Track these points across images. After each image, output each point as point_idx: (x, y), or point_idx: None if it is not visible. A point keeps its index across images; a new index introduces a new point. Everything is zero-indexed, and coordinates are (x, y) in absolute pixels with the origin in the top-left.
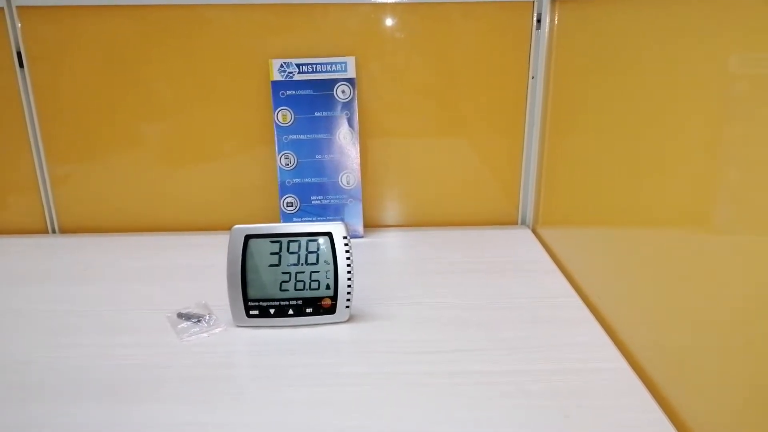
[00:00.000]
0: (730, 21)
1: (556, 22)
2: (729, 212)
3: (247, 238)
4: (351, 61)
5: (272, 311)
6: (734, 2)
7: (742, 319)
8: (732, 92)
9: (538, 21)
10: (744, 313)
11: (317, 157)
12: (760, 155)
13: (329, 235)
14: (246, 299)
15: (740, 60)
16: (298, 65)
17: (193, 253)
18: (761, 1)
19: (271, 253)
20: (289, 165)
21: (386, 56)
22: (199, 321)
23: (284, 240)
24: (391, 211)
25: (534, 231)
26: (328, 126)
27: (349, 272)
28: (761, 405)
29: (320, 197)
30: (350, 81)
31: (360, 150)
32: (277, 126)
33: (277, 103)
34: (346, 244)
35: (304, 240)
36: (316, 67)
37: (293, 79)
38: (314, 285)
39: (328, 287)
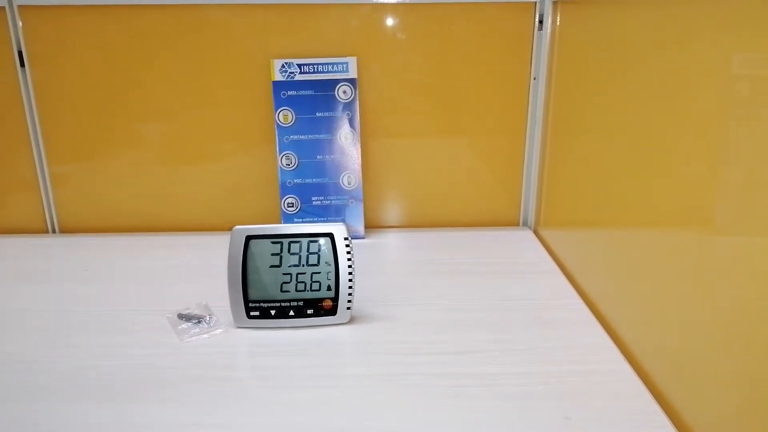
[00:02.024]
0: (732, 22)
1: (558, 24)
2: (731, 213)
3: (248, 238)
4: (352, 61)
5: (273, 312)
6: (736, 3)
7: (744, 321)
8: (734, 93)
9: (540, 22)
10: (746, 314)
11: (318, 157)
12: (762, 156)
13: (330, 235)
14: (246, 300)
15: (742, 61)
16: (299, 65)
17: (193, 254)
18: (763, 2)
19: (272, 254)
20: (290, 165)
21: (388, 57)
22: (199, 322)
23: (285, 241)
24: (392, 211)
25: (535, 232)
26: (329, 126)
27: (350, 273)
28: (763, 407)
29: (321, 198)
30: (351, 81)
31: (361, 150)
32: (278, 126)
33: (278, 103)
34: (347, 245)
35: (305, 241)
36: (317, 68)
37: (294, 79)
38: (315, 286)
39: (329, 288)
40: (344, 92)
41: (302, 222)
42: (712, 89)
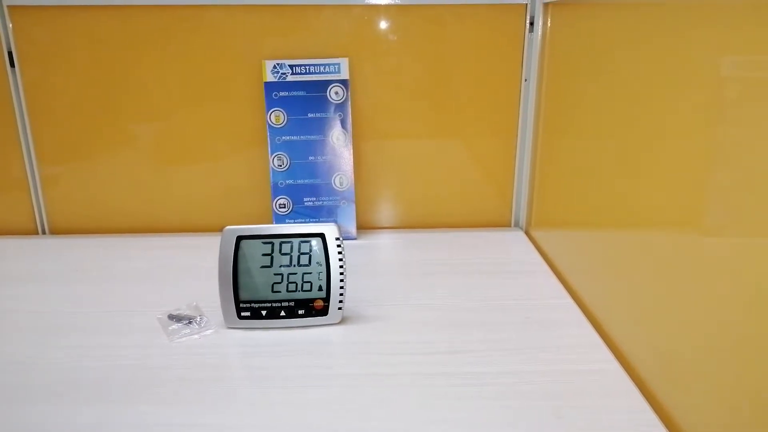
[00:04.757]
0: (721, 24)
1: (548, 25)
2: (720, 214)
3: (239, 239)
4: (344, 62)
5: (264, 313)
6: (724, 6)
7: (733, 320)
8: (723, 95)
9: (531, 24)
10: (735, 313)
11: (310, 158)
12: (752, 157)
13: (322, 236)
14: (237, 300)
15: (730, 63)
16: (291, 66)
17: (184, 255)
18: (750, 5)
19: (263, 255)
20: (282, 166)
21: (379, 58)
22: (190, 322)
23: (276, 241)
24: (384, 212)
25: (527, 233)
26: (321, 127)
27: (341, 274)
28: (752, 405)
29: (313, 199)
30: (343, 82)
31: (353, 152)
32: (270, 127)
33: (270, 104)
34: (338, 246)
35: (296, 241)
36: (309, 69)
37: (286, 80)
38: (306, 286)
39: (320, 289)
40: (336, 93)
41: (294, 223)
42: (701, 91)
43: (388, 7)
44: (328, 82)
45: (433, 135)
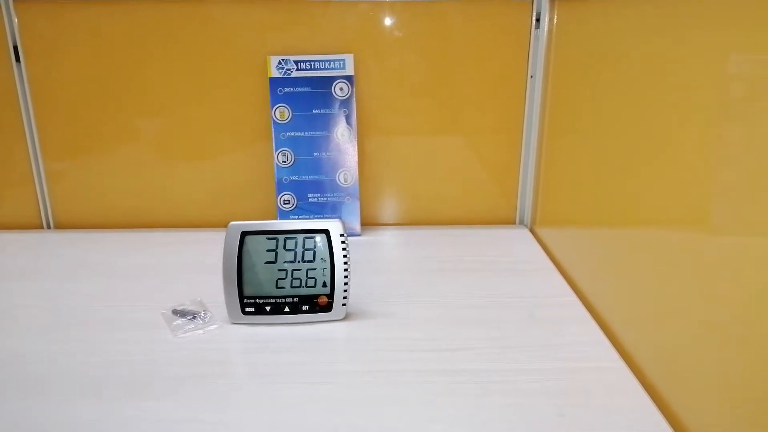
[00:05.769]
0: (729, 22)
1: (555, 21)
2: (726, 213)
3: (244, 234)
4: (349, 58)
5: (268, 308)
6: (733, 3)
7: (738, 319)
8: (730, 92)
9: (537, 20)
10: (740, 312)
11: (315, 154)
12: (758, 156)
13: (326, 232)
14: (242, 296)
15: (738, 60)
16: (296, 62)
17: (188, 250)
18: (759, 2)
19: (268, 250)
20: (287, 162)
21: (385, 54)
22: (194, 318)
23: (281, 237)
24: (388, 209)
25: (532, 230)
26: (325, 123)
27: (345, 270)
28: (757, 405)
29: (317, 195)
30: (348, 78)
31: (358, 148)
32: (275, 123)
33: (275, 100)
34: (343, 242)
35: (300, 237)
36: (314, 65)
37: (291, 76)
38: (311, 282)
39: (324, 285)
40: (341, 89)
41: (298, 219)
42: (709, 88)
43: (393, 3)
44: (333, 78)
45: (438, 131)
